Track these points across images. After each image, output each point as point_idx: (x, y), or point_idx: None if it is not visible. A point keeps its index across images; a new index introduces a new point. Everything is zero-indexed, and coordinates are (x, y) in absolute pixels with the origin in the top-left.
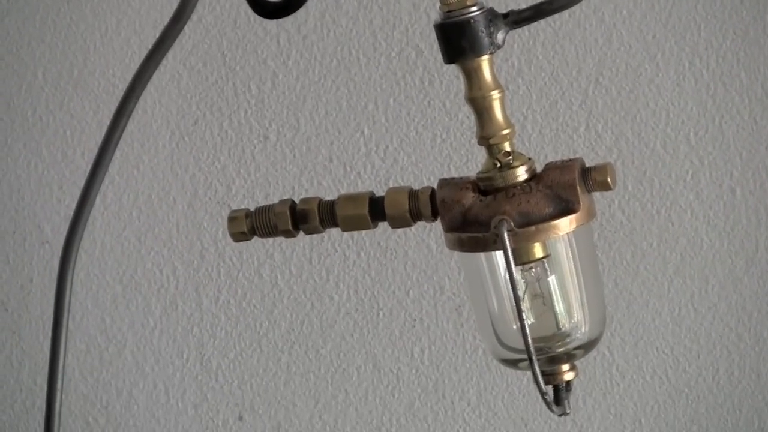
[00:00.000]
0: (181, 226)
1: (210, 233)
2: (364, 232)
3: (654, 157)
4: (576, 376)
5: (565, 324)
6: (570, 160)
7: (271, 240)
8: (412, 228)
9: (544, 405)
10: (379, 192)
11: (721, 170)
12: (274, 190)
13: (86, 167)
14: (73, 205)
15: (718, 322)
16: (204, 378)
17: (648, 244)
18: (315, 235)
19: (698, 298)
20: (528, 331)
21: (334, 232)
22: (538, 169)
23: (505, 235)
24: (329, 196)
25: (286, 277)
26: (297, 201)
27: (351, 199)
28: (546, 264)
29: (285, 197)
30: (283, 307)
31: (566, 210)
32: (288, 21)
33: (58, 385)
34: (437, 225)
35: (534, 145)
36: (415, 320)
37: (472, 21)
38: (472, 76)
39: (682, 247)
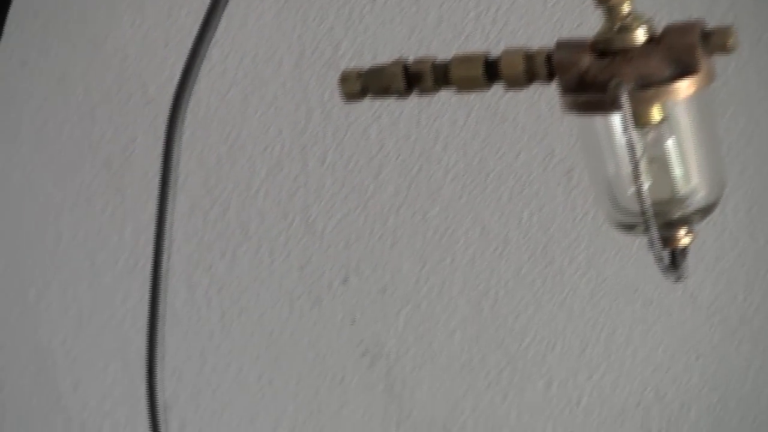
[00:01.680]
0: (287, 87)
1: (316, 94)
2: (473, 94)
3: None
4: (693, 241)
5: (682, 188)
6: (690, 22)
7: (378, 102)
8: (524, 91)
9: (655, 270)
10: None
11: None
12: (381, 51)
13: (191, 26)
14: (178, 65)
15: None
16: (309, 240)
17: (764, 110)
18: (423, 98)
19: None
20: (646, 195)
21: (443, 94)
22: (658, 30)
23: (624, 97)
24: (439, 59)
25: (393, 139)
26: (408, 62)
27: (465, 59)
28: (664, 127)
29: (393, 59)
30: (390, 169)
31: (685, 72)
32: None
33: (165, 245)
34: (549, 88)
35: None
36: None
37: None
38: None
39: None
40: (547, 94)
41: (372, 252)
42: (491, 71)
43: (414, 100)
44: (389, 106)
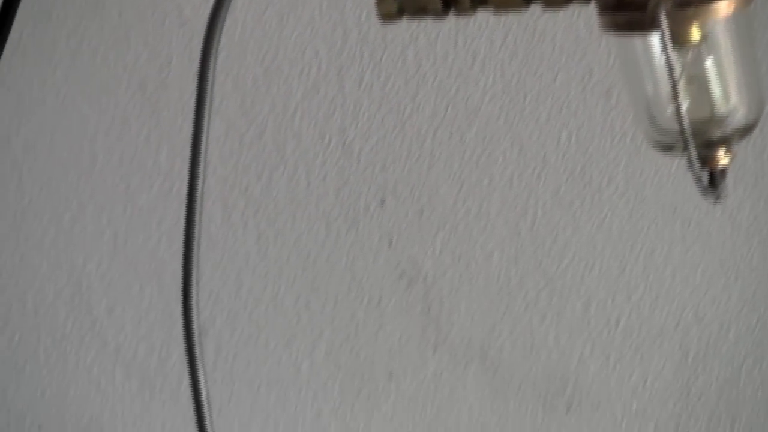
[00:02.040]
0: (323, 8)
1: (353, 15)
2: (511, 14)
3: None
4: (732, 161)
5: (721, 107)
6: None
7: (415, 23)
8: (562, 11)
9: (694, 190)
10: None
11: None
12: None
13: None
14: None
15: None
16: (346, 162)
17: None
18: (460, 18)
19: None
20: (684, 114)
21: (480, 15)
22: None
23: (663, 16)
24: None
25: (431, 60)
26: None
27: None
28: (703, 46)
29: None
30: (427, 90)
31: None
32: None
33: (200, 168)
34: (588, 7)
35: None
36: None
37: None
38: None
39: None
40: (586, 14)
41: (409, 174)
42: None
43: (451, 21)
44: (426, 27)
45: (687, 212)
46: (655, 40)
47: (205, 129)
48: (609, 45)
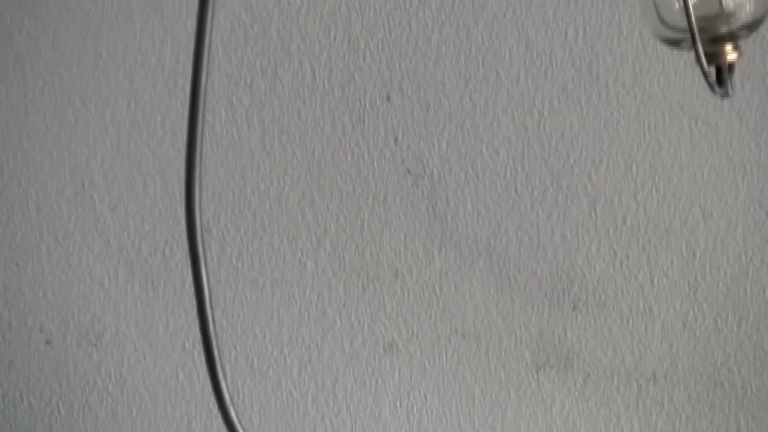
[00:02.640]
0: None
1: None
2: None
3: None
4: (739, 57)
5: (729, 2)
6: None
7: None
8: None
9: (702, 86)
10: None
11: None
12: None
13: None
14: None
15: None
16: (351, 58)
17: None
18: None
19: None
20: (692, 9)
21: None
22: None
23: None
24: None
25: None
26: None
27: None
28: None
29: None
30: None
31: None
32: None
33: (204, 63)
34: None
35: None
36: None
37: None
38: None
39: None
40: None
41: (415, 70)
42: None
43: None
44: None
45: (694, 109)
46: None
47: (209, 24)
48: None
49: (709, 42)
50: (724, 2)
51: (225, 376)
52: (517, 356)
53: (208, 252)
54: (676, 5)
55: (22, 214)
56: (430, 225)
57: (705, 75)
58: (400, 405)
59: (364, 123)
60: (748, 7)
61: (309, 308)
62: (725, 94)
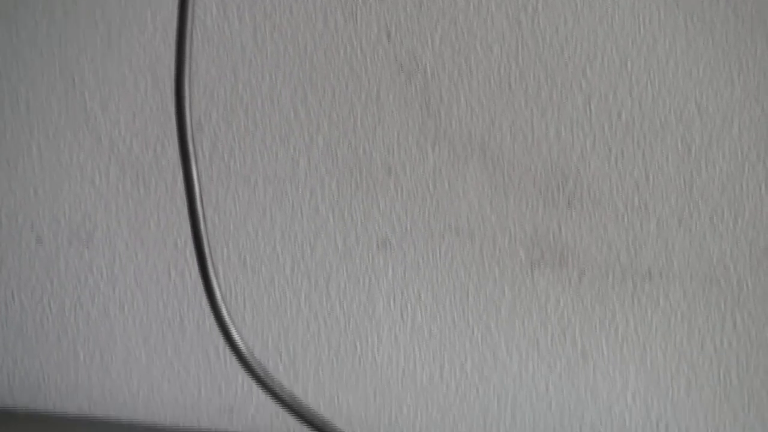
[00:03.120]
0: None
1: None
2: None
3: None
4: None
5: None
6: None
7: None
8: None
9: None
10: None
11: None
12: None
13: None
14: None
15: None
16: None
17: None
18: None
19: None
20: None
21: None
22: None
23: None
24: None
25: None
26: None
27: None
28: None
29: None
30: None
31: None
32: None
33: None
34: None
35: None
36: None
37: None
38: None
39: None
40: None
41: None
42: None
43: None
44: None
45: (690, 3)
46: None
47: None
48: None
49: None
50: None
51: (217, 273)
52: (511, 253)
53: (200, 149)
54: None
55: (12, 111)
56: (423, 122)
57: None
58: (394, 302)
59: (356, 19)
60: None
61: (302, 205)
62: None
